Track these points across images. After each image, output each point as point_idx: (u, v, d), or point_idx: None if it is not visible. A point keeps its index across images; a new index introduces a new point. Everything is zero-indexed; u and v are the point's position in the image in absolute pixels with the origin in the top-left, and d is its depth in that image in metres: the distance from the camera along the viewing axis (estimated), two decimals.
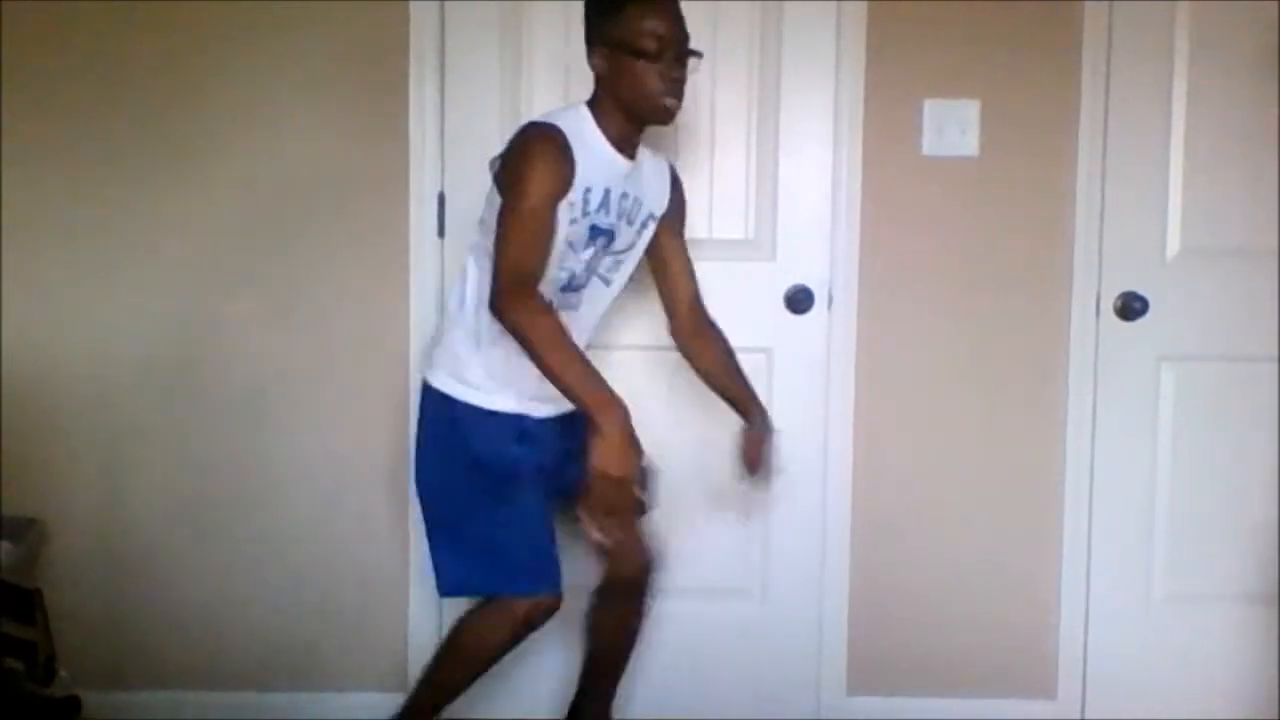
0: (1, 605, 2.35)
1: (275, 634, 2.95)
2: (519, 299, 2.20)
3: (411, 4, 2.84)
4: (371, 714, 2.94)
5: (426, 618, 2.95)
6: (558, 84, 2.77)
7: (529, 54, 2.87)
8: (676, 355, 2.66)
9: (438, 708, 2.52)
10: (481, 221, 2.37)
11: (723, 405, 2.62)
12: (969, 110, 2.88)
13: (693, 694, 2.93)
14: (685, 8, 2.78)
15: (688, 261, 2.61)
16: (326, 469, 2.94)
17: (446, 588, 2.46)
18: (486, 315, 2.28)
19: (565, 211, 2.28)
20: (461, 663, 2.48)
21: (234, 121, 2.86)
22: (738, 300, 2.89)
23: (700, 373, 2.63)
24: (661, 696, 2.95)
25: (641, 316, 2.79)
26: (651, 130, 2.42)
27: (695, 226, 2.74)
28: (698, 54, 2.36)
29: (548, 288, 2.33)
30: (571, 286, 2.39)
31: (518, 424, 2.39)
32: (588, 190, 2.30)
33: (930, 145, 2.89)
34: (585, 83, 2.40)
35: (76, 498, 2.91)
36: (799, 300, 2.92)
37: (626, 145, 2.37)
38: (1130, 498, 2.98)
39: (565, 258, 2.33)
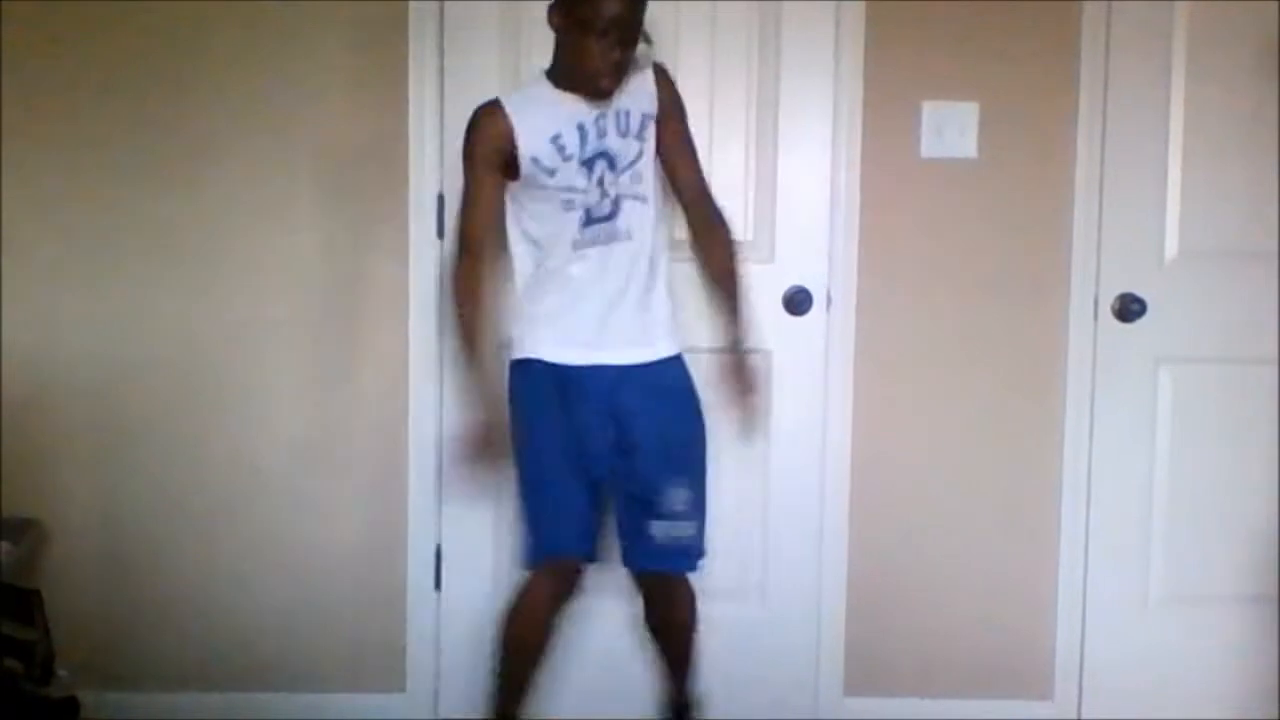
0: (1, 606, 2.36)
1: (274, 634, 2.95)
2: (458, 259, 2.51)
3: (411, 4, 2.84)
4: (370, 714, 2.95)
5: (425, 618, 2.96)
6: None
7: (529, 54, 2.85)
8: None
9: (503, 700, 2.56)
10: None
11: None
12: (968, 112, 2.88)
13: None
14: (684, 8, 2.81)
15: (691, 156, 2.57)
16: (325, 469, 2.94)
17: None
18: (520, 273, 2.50)
19: (534, 166, 2.40)
20: (502, 645, 2.53)
21: (233, 122, 2.86)
22: None
23: (704, 277, 2.61)
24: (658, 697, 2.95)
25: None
26: None
27: None
28: (648, 40, 2.39)
29: (565, 236, 2.43)
30: (595, 218, 2.43)
31: (555, 373, 2.47)
32: (556, 137, 2.40)
33: (929, 147, 2.89)
34: None
35: (76, 498, 2.91)
36: (798, 301, 2.92)
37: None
38: (1128, 499, 2.98)
39: (572, 203, 2.41)
